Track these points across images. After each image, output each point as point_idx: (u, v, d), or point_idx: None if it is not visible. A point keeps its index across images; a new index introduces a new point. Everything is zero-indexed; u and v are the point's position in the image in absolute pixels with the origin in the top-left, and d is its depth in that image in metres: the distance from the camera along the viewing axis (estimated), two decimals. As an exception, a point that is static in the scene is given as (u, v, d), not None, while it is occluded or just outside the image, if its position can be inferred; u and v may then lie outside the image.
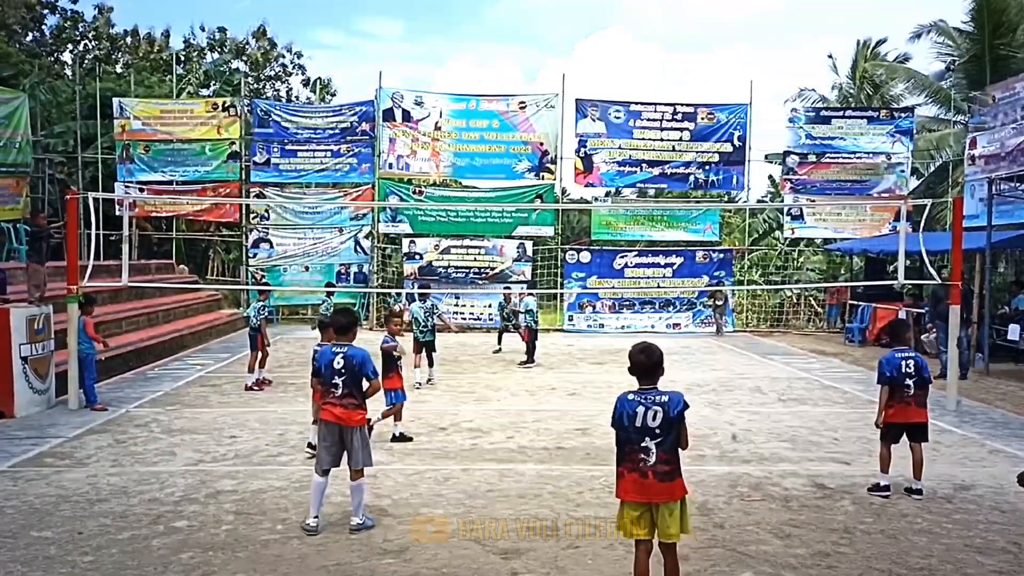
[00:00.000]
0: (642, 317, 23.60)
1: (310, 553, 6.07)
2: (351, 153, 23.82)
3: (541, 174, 23.62)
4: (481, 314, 23.30)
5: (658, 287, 23.60)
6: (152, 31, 39.01)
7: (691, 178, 23.93)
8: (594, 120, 23.58)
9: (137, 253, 25.65)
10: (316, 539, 6.33)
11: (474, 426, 10.39)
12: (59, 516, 6.82)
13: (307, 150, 23.99)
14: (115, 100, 24.29)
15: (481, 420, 10.83)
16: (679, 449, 5.07)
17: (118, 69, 35.40)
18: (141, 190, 23.81)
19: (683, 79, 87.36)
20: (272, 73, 40.36)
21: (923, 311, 18.39)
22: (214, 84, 33.43)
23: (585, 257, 23.90)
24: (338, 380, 6.47)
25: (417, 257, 23.50)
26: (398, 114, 23.48)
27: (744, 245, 26.92)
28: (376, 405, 11.65)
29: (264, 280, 23.54)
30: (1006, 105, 18.98)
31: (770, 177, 34.28)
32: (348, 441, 6.49)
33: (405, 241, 23.76)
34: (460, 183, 27.55)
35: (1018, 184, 17.08)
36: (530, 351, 16.31)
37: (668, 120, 23.68)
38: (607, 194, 29.81)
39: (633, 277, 23.77)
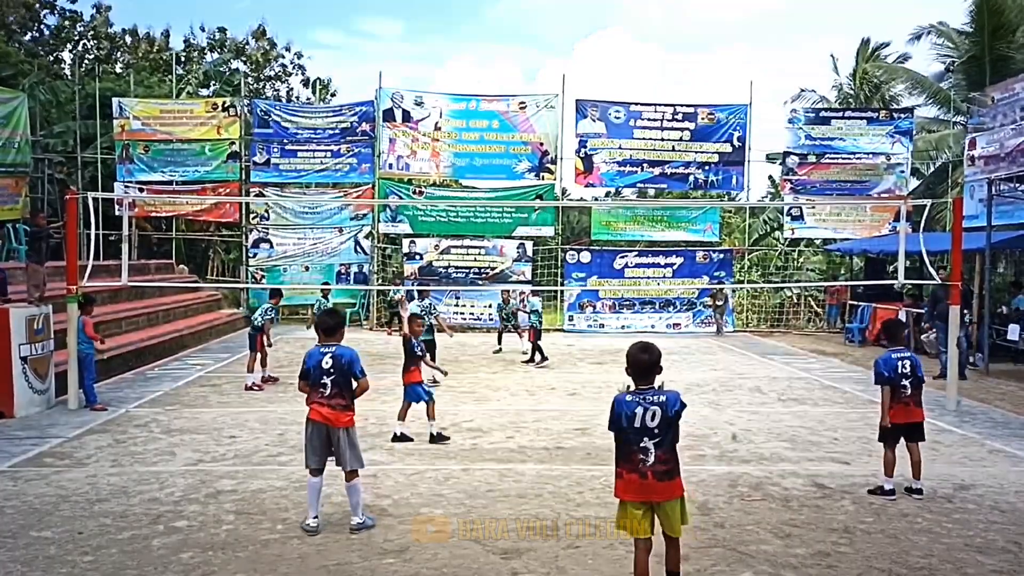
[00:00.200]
0: (642, 317, 23.60)
1: (310, 553, 6.06)
2: (351, 153, 23.83)
3: (541, 174, 23.62)
4: (481, 314, 23.31)
5: (658, 287, 23.60)
6: (151, 31, 39.08)
7: (691, 178, 23.95)
8: (594, 120, 23.59)
9: (137, 253, 25.67)
10: (316, 539, 6.33)
11: (474, 426, 10.38)
12: (59, 516, 6.82)
13: (307, 150, 24.00)
14: (115, 100, 24.30)
15: (481, 420, 10.82)
16: (676, 447, 5.09)
17: (117, 69, 35.41)
18: (141, 190, 23.82)
19: (683, 79, 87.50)
20: (272, 73, 40.36)
21: (923, 311, 18.40)
22: (214, 84, 33.44)
23: (585, 257, 23.91)
24: (327, 380, 6.42)
25: (417, 257, 23.51)
26: (398, 114, 23.49)
27: (744, 245, 26.93)
28: (375, 405, 11.68)
29: (263, 280, 23.58)
30: (1005, 106, 18.98)
31: (770, 177, 34.34)
32: (335, 442, 6.44)
33: (405, 241, 23.77)
34: (460, 183, 27.55)
35: (1017, 185, 17.09)
36: (539, 350, 16.40)
37: (668, 120, 23.69)
38: (607, 194, 29.86)
39: (633, 277, 23.78)
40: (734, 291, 24.35)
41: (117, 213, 17.70)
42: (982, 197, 17.24)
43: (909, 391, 7.58)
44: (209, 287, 24.88)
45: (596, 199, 29.29)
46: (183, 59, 35.31)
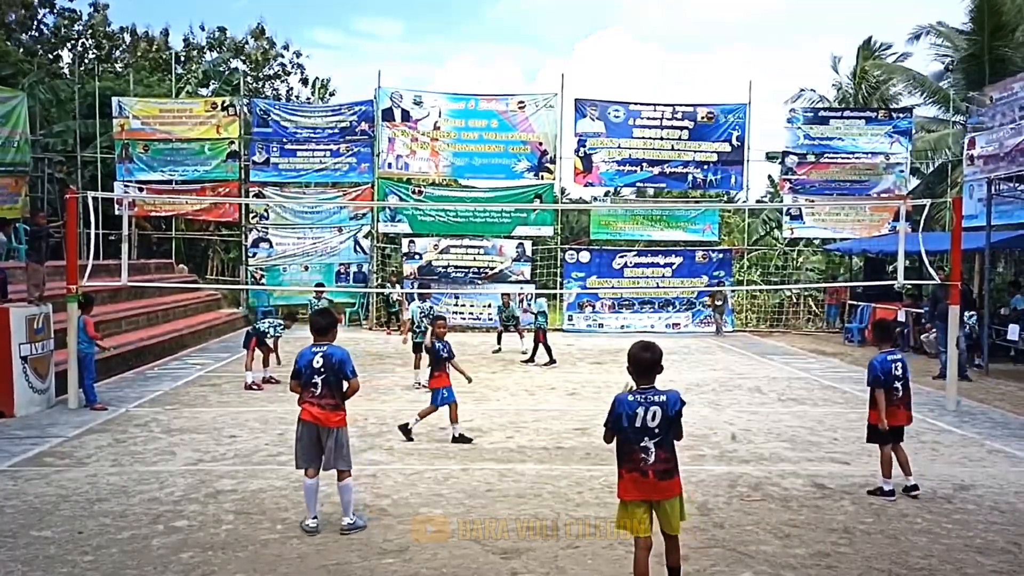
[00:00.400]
0: (641, 317, 23.61)
1: (310, 553, 6.07)
2: (350, 153, 23.82)
3: (540, 174, 23.63)
4: (480, 314, 23.31)
5: (657, 287, 23.61)
6: (150, 30, 39.05)
7: (690, 178, 23.95)
8: (593, 120, 23.59)
9: (136, 253, 25.68)
10: (316, 539, 6.34)
11: (474, 426, 10.38)
12: (59, 516, 6.82)
13: (306, 150, 23.99)
14: (114, 99, 24.29)
15: (481, 420, 10.82)
16: (675, 444, 5.12)
17: (117, 68, 35.39)
18: (140, 189, 23.82)
19: (683, 79, 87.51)
20: (271, 72, 40.34)
21: (922, 311, 18.41)
22: (213, 83, 33.43)
23: (584, 257, 23.91)
24: (317, 379, 6.41)
25: (416, 257, 23.51)
26: (397, 114, 23.48)
27: (743, 245, 26.93)
28: (375, 405, 11.68)
29: (263, 279, 23.59)
30: (1004, 105, 19.00)
31: (769, 177, 34.36)
32: (325, 442, 6.44)
33: (404, 241, 23.78)
34: (459, 183, 27.56)
35: (1017, 184, 17.11)
36: (548, 351, 16.45)
37: (667, 120, 23.69)
38: (606, 194, 29.84)
39: (632, 277, 23.79)
40: (733, 291, 24.35)
41: (117, 212, 17.70)
42: (981, 197, 17.25)
43: (901, 393, 7.63)
44: (209, 287, 24.87)
45: (595, 199, 29.28)
46: (182, 58, 35.30)
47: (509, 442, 9.67)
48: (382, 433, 9.97)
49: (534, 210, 23.42)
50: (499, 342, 18.42)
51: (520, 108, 23.55)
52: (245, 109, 24.99)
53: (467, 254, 23.59)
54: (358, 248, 24.09)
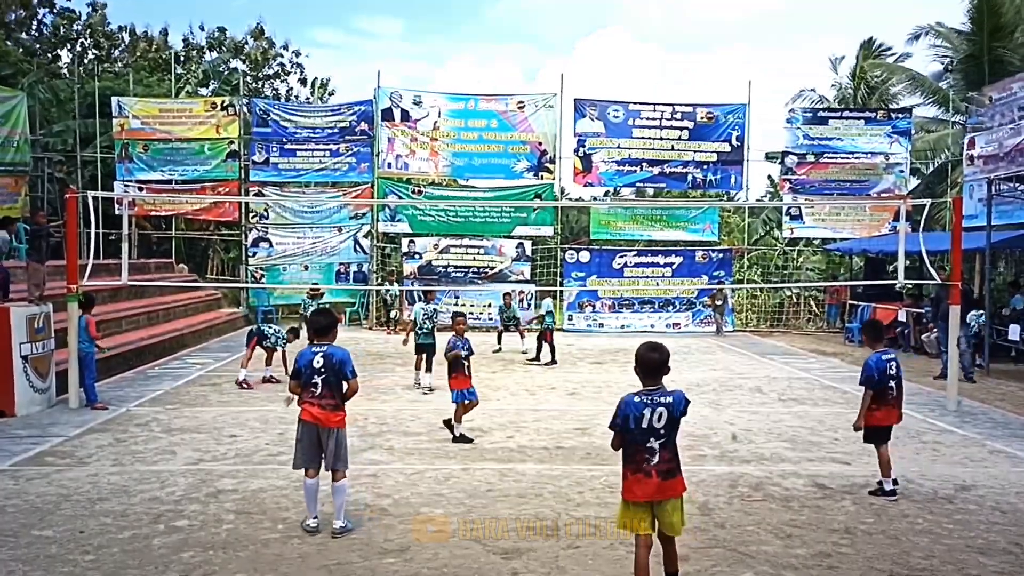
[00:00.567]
0: (641, 317, 23.61)
1: (311, 552, 6.07)
2: (350, 152, 23.82)
3: (540, 174, 23.63)
4: (481, 314, 23.31)
5: (657, 287, 23.62)
6: (150, 29, 39.01)
7: (689, 177, 23.95)
8: (593, 120, 23.59)
9: (137, 252, 25.66)
10: (317, 538, 6.33)
11: (474, 425, 10.37)
12: (60, 515, 6.82)
13: (306, 149, 23.99)
14: (114, 99, 24.29)
15: (481, 420, 10.81)
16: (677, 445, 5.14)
17: (117, 68, 35.36)
18: (140, 189, 23.81)
19: (683, 79, 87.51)
20: (271, 72, 40.31)
21: (923, 311, 18.41)
22: (213, 83, 33.40)
23: (584, 257, 23.91)
24: (317, 379, 6.41)
25: (416, 256, 23.51)
26: (397, 113, 23.48)
27: (743, 245, 26.93)
28: (375, 405, 11.67)
29: (263, 279, 23.58)
30: (1003, 105, 19.01)
31: (769, 177, 34.37)
32: (324, 442, 6.43)
33: (404, 240, 23.78)
34: (459, 182, 27.56)
35: (1017, 184, 17.11)
36: (552, 351, 16.51)
37: (667, 120, 23.71)
38: (606, 194, 29.85)
39: (632, 277, 23.79)
40: (733, 291, 24.35)
41: (117, 212, 17.70)
42: (982, 197, 17.25)
43: (894, 392, 7.67)
44: (209, 286, 24.87)
45: (595, 199, 29.28)
46: (182, 58, 35.29)
47: (510, 442, 9.68)
48: (382, 433, 9.97)
49: (534, 210, 23.42)
50: (499, 342, 18.43)
51: (520, 108, 23.55)
52: (245, 109, 24.99)
53: (467, 254, 23.59)
54: (358, 248, 24.09)
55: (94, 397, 11.40)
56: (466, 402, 9.65)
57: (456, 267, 23.51)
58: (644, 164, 23.78)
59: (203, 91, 32.20)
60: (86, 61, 35.19)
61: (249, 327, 16.36)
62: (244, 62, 38.69)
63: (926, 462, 8.77)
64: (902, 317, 19.10)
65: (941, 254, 16.87)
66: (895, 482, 7.56)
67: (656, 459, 5.02)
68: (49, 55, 35.11)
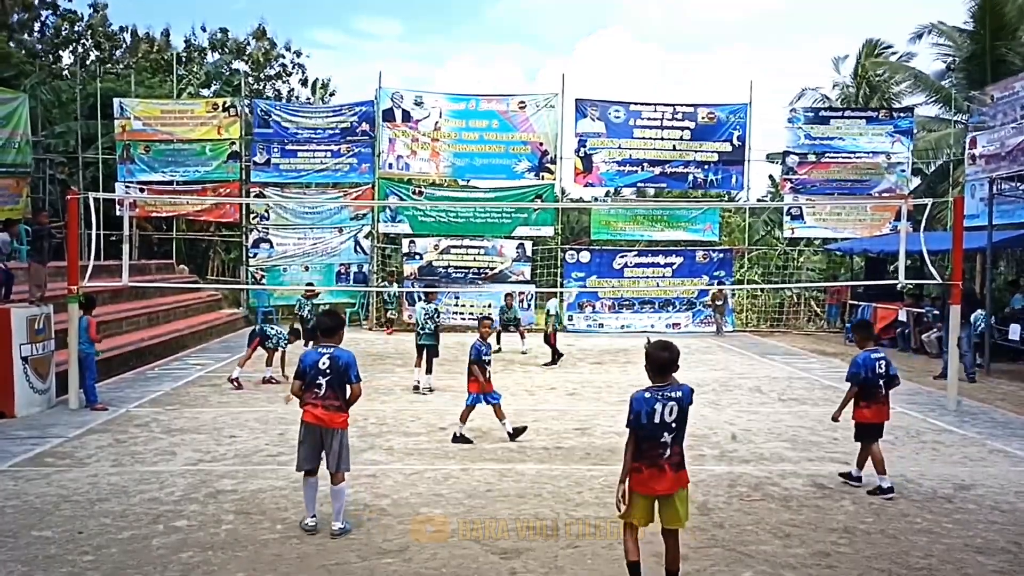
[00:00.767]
0: (642, 317, 23.60)
1: (310, 552, 6.07)
2: (351, 153, 23.83)
3: (541, 174, 23.62)
4: (480, 314, 23.25)
5: (657, 287, 23.61)
6: (151, 30, 39.07)
7: (690, 178, 23.95)
8: (594, 120, 23.59)
9: (137, 253, 25.66)
10: (316, 538, 6.34)
11: (474, 426, 10.37)
12: (59, 515, 6.83)
13: (307, 150, 24.01)
14: (115, 100, 24.31)
15: (481, 420, 10.79)
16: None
17: (118, 69, 35.40)
18: (141, 190, 23.83)
19: (683, 79, 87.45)
20: (272, 73, 40.36)
21: (923, 311, 18.40)
22: (215, 84, 33.42)
23: (585, 257, 23.91)
24: (321, 380, 6.40)
25: (417, 257, 23.51)
26: (398, 114, 23.49)
27: (744, 245, 26.92)
28: (375, 405, 11.68)
29: (264, 280, 23.59)
30: (1005, 104, 18.99)
31: (770, 177, 34.31)
32: (327, 443, 6.43)
33: (405, 241, 23.78)
34: (460, 183, 27.55)
35: (1018, 184, 17.09)
36: (554, 350, 16.52)
37: (668, 120, 23.70)
38: (607, 194, 29.83)
39: (633, 277, 23.78)
40: (733, 291, 24.33)
41: (118, 213, 17.67)
42: (983, 196, 17.24)
43: (883, 391, 7.74)
44: (209, 287, 24.89)
45: (595, 199, 29.26)
46: (184, 59, 35.32)
47: (509, 442, 9.67)
48: (382, 433, 9.98)
49: (535, 210, 23.42)
50: (498, 342, 18.43)
51: (520, 108, 23.55)
52: (246, 110, 25.02)
53: (467, 254, 23.59)
54: (358, 248, 24.10)
55: (94, 398, 11.41)
56: (476, 405, 9.59)
57: (456, 268, 23.51)
58: (645, 164, 23.77)
59: (205, 92, 32.22)
60: (88, 62, 35.22)
61: (251, 328, 16.36)
62: (246, 63, 38.73)
63: (926, 461, 8.77)
64: (902, 317, 19.08)
65: (942, 254, 16.85)
66: (859, 480, 7.71)
67: (668, 452, 5.16)
68: (51, 56, 35.18)
